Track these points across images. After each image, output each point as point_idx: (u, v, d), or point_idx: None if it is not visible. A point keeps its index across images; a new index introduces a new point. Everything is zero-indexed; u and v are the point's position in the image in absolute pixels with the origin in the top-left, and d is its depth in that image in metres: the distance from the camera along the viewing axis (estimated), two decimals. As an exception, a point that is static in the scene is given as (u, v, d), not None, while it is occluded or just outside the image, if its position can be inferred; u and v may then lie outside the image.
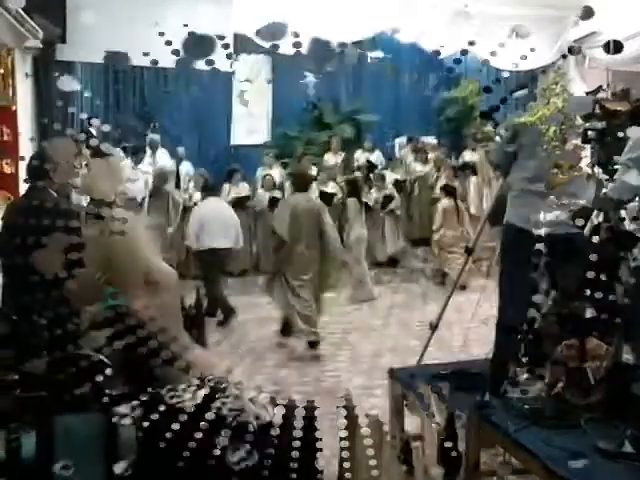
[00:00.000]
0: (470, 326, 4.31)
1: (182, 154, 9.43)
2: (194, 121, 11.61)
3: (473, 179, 9.56)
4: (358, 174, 9.29)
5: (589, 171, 10.70)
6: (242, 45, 11.85)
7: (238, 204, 8.62)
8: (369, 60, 12.08)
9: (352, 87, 12.66)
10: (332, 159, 10.15)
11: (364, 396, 4.66)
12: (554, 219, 2.83)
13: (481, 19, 11.14)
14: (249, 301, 8.11)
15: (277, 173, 9.53)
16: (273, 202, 8.72)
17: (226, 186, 8.81)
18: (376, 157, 10.28)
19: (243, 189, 8.85)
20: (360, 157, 10.40)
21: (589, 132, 3.56)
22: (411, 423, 3.66)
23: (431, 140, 10.91)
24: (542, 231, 2.80)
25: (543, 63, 11.74)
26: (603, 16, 10.35)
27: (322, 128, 11.94)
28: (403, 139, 11.13)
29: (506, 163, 2.94)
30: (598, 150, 3.41)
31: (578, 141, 11.20)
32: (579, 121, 3.71)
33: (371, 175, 9.46)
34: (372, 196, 9.08)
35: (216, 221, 6.65)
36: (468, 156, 10.22)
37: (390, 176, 9.55)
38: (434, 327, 3.57)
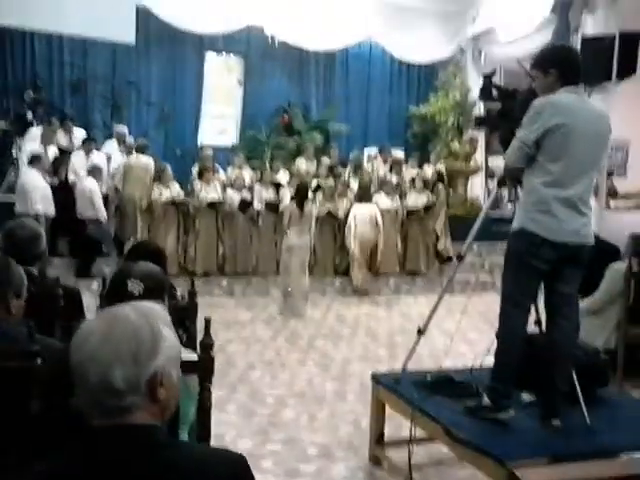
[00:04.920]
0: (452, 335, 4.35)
1: (131, 144, 9.27)
2: (161, 117, 11.41)
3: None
4: (329, 181, 9.31)
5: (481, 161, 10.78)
6: (211, 44, 11.82)
7: (211, 205, 8.57)
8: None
9: (322, 95, 12.74)
10: (303, 165, 10.13)
11: (338, 401, 4.68)
12: (578, 228, 2.87)
13: (386, 11, 11.51)
14: (212, 302, 8.00)
15: (247, 174, 9.46)
16: (244, 204, 8.66)
17: (197, 184, 8.68)
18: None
19: (215, 189, 8.74)
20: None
21: (489, 112, 3.67)
22: (390, 426, 3.68)
23: (399, 153, 11.05)
24: (564, 239, 2.85)
25: (442, 56, 12.24)
26: (499, 14, 11.04)
27: (291, 134, 11.95)
28: (372, 149, 11.22)
29: (524, 166, 2.92)
30: (499, 131, 3.49)
31: (474, 132, 11.62)
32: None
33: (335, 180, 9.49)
34: (341, 205, 9.11)
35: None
36: (427, 171, 10.38)
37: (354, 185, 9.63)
38: (421, 332, 3.58)
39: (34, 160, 7.87)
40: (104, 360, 1.15)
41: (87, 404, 1.18)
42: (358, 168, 10.05)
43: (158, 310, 1.27)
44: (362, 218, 8.64)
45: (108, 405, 1.16)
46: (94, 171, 8.28)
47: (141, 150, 8.83)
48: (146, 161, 8.74)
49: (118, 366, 1.14)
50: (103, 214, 8.22)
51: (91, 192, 8.12)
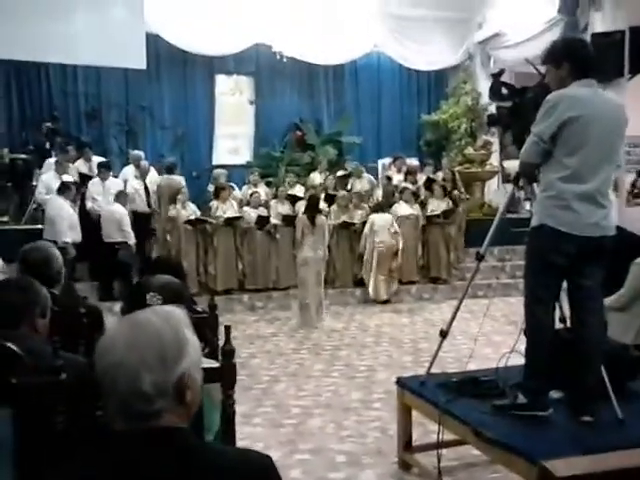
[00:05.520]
0: (476, 338, 4.32)
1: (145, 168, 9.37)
2: (176, 140, 11.55)
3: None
4: (343, 193, 9.33)
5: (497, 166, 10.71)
6: (221, 66, 11.98)
7: (229, 222, 8.64)
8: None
9: (333, 108, 12.81)
10: (318, 178, 10.18)
11: (364, 409, 4.64)
12: (597, 221, 2.83)
13: (392, 21, 11.59)
14: (234, 319, 8.02)
15: (262, 191, 9.53)
16: (261, 220, 8.71)
17: (214, 203, 8.77)
18: (368, 181, 10.24)
19: (232, 207, 8.82)
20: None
21: (500, 111, 3.64)
22: (417, 431, 3.64)
23: (413, 162, 11.04)
24: (585, 233, 2.80)
25: (451, 63, 12.24)
26: (506, 18, 11.07)
27: (305, 149, 12.02)
28: (387, 160, 11.23)
29: (540, 162, 2.89)
30: (511, 129, 3.46)
31: (488, 137, 11.57)
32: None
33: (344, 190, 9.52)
34: (357, 215, 9.12)
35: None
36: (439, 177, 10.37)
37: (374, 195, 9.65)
38: (444, 334, 3.55)
39: (63, 189, 7.94)
40: (132, 366, 1.14)
41: (114, 409, 1.17)
42: (388, 178, 10.09)
43: (178, 313, 1.26)
44: (380, 225, 8.64)
45: (137, 410, 1.15)
46: (120, 196, 8.38)
47: (170, 170, 8.94)
48: (177, 180, 8.85)
49: (146, 371, 1.14)
50: (132, 238, 8.31)
51: (120, 217, 8.20)
